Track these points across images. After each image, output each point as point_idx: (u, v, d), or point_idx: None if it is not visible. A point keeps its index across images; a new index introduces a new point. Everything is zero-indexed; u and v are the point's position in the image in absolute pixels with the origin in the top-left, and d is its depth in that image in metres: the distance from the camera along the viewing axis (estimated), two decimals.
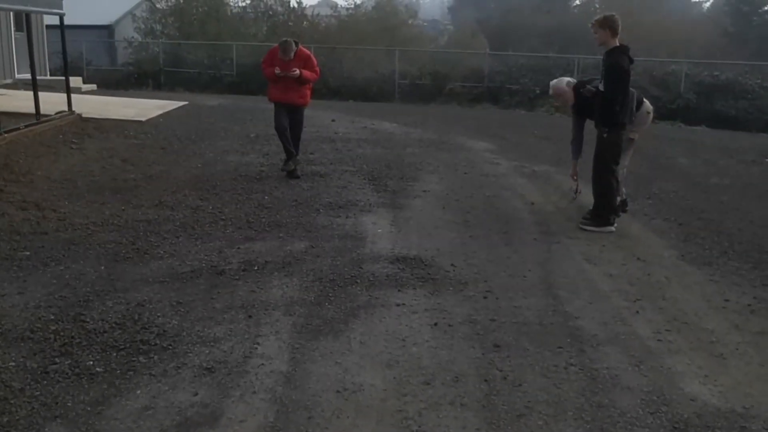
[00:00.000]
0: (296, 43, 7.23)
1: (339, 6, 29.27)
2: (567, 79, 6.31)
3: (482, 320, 3.87)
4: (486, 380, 3.20)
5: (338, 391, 3.05)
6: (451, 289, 4.34)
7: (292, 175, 7.40)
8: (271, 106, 7.53)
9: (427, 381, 3.17)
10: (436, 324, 3.79)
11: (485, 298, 4.21)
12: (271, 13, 26.03)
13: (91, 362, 3.21)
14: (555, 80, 6.41)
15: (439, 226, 5.81)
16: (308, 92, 7.52)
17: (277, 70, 7.13)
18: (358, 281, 4.39)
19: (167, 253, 4.79)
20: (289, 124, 7.45)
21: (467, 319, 3.87)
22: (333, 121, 12.15)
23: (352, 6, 28.08)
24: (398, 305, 4.03)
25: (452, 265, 4.78)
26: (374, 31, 24.99)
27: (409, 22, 28.72)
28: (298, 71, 7.13)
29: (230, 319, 3.75)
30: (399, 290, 4.27)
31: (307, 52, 7.41)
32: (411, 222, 5.90)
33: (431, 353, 3.45)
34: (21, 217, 5.45)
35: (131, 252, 4.79)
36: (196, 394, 2.98)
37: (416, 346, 3.52)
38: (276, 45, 7.35)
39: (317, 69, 7.47)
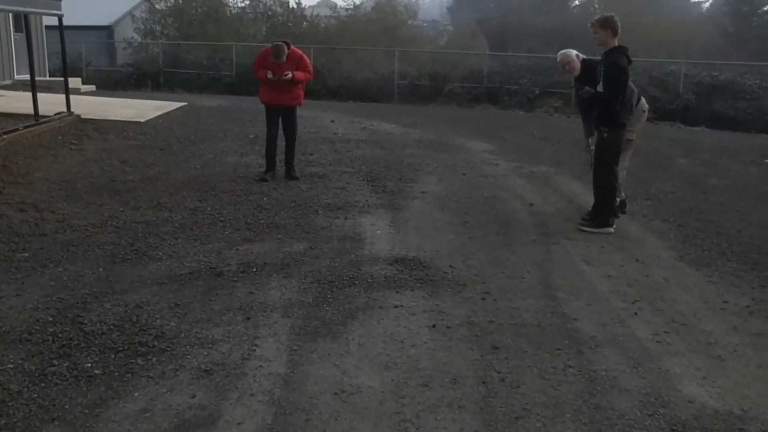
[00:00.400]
0: (288, 45, 7.12)
1: (338, 6, 29.33)
2: (576, 51, 6.29)
3: (480, 322, 3.87)
4: (484, 382, 3.19)
5: (336, 393, 3.05)
6: (449, 290, 4.34)
7: (291, 176, 7.40)
8: None
9: (425, 383, 3.17)
10: (434, 326, 3.79)
11: (483, 299, 4.21)
12: (270, 13, 26.03)
13: (89, 364, 3.21)
14: (564, 50, 6.37)
15: (437, 227, 5.81)
16: (301, 93, 7.45)
17: (270, 75, 7.04)
18: (357, 283, 4.39)
19: (166, 255, 4.79)
20: (283, 126, 7.42)
21: (465, 321, 3.87)
22: (332, 121, 12.15)
23: (352, 6, 28.13)
24: (396, 307, 4.03)
25: (451, 266, 4.78)
26: (374, 31, 24.99)
27: (409, 22, 28.70)
28: (290, 74, 7.05)
29: (228, 321, 3.75)
30: (397, 292, 4.27)
31: (299, 52, 7.29)
32: (410, 223, 5.89)
33: (429, 355, 3.45)
34: (19, 218, 5.45)
35: (130, 253, 4.79)
36: (194, 396, 2.98)
37: (414, 348, 3.51)
38: (268, 46, 7.26)
39: (310, 69, 7.40)
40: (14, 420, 2.76)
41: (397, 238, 5.42)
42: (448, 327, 3.78)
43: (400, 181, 7.54)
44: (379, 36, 24.26)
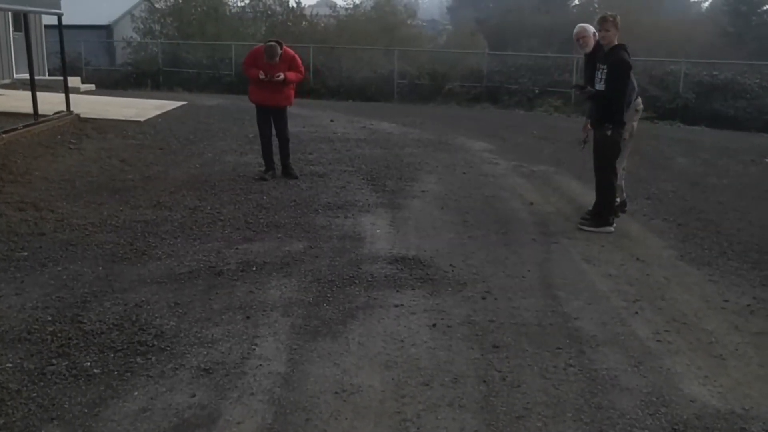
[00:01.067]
0: (281, 45, 7.06)
1: (338, 6, 29.32)
2: (594, 30, 6.26)
3: (481, 321, 3.86)
4: (485, 381, 3.19)
5: (336, 393, 3.04)
6: (449, 289, 4.33)
7: (290, 175, 7.38)
8: None
9: (425, 382, 3.16)
10: (434, 325, 3.78)
11: (484, 298, 4.20)
12: (269, 12, 26.03)
13: (89, 363, 3.20)
14: (582, 24, 6.30)
15: (437, 226, 5.80)
16: (292, 92, 7.41)
17: (262, 75, 6.99)
18: (357, 282, 4.38)
19: (165, 254, 4.78)
20: (275, 126, 7.37)
21: (466, 320, 3.86)
22: (332, 121, 12.14)
23: (351, 6, 28.15)
24: (397, 306, 4.02)
25: (451, 265, 4.77)
26: (373, 30, 24.99)
27: (408, 21, 28.74)
28: (282, 75, 6.99)
29: (228, 320, 3.74)
30: (397, 291, 4.26)
31: (292, 52, 7.23)
32: (409, 222, 5.89)
33: (430, 354, 3.44)
34: (19, 217, 5.44)
35: (129, 253, 4.78)
36: (194, 396, 2.97)
37: (415, 347, 3.51)
38: (259, 45, 7.20)
39: (302, 69, 7.34)
40: (13, 419, 2.75)
41: (397, 237, 5.41)
42: (448, 326, 3.77)
43: (399, 180, 7.53)
44: (378, 35, 24.24)
